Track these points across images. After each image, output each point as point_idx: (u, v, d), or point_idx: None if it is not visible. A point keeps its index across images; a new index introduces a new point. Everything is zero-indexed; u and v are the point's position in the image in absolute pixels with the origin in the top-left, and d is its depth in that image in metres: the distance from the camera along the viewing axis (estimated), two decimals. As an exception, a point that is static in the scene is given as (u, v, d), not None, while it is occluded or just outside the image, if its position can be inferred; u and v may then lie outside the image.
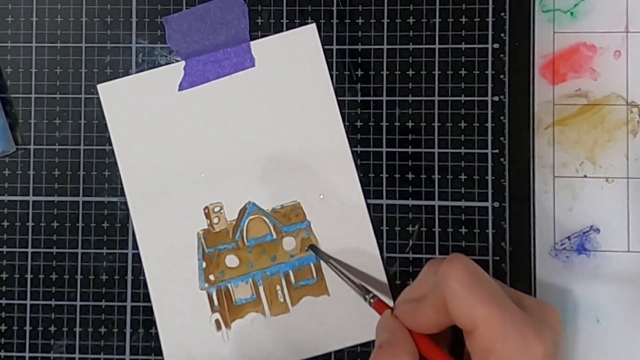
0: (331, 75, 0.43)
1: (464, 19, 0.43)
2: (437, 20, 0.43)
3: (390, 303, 0.39)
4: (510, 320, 0.32)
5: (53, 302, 0.43)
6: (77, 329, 0.43)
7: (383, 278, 0.42)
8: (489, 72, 0.43)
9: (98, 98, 0.44)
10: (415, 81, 0.43)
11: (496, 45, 0.43)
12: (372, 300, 0.38)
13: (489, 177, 0.42)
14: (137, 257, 0.43)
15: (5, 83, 0.44)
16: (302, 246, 0.43)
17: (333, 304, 0.42)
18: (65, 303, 0.43)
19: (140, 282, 0.43)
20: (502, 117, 0.42)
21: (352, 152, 0.43)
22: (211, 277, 0.43)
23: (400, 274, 0.42)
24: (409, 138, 0.43)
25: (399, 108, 0.43)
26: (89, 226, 0.43)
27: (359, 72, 0.43)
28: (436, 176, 0.43)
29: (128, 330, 0.43)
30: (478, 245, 0.42)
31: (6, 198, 0.44)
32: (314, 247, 0.42)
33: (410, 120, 0.43)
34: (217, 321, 0.42)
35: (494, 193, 0.42)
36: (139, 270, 0.43)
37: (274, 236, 0.43)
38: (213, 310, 0.42)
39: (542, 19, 0.43)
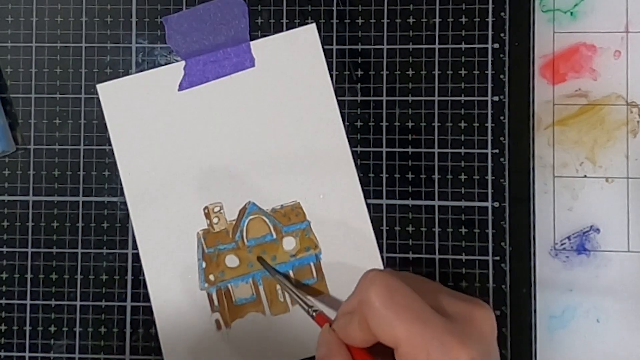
0: (331, 75, 0.43)
1: (464, 19, 0.43)
2: (437, 20, 0.43)
3: None
4: (431, 334, 0.32)
5: (53, 302, 0.43)
6: (77, 329, 0.43)
7: (383, 278, 0.42)
8: (489, 72, 0.43)
9: (98, 98, 0.44)
10: (415, 81, 0.43)
11: (496, 45, 0.43)
12: (314, 314, 0.38)
13: (489, 177, 0.42)
14: (137, 257, 0.43)
15: (5, 83, 0.44)
16: (302, 246, 0.43)
17: (333, 304, 0.42)
18: (65, 303, 0.43)
19: (140, 282, 0.43)
20: (502, 117, 0.42)
21: (352, 152, 0.43)
22: (211, 277, 0.43)
23: (400, 274, 0.42)
24: (409, 138, 0.43)
25: (399, 108, 0.43)
26: (89, 226, 0.43)
27: (359, 72, 0.43)
28: (436, 176, 0.43)
29: (128, 330, 0.43)
30: (478, 245, 0.42)
31: (6, 198, 0.44)
32: (261, 260, 0.42)
33: (410, 120, 0.43)
34: (217, 321, 0.42)
35: (494, 193, 0.42)
36: (139, 270, 0.43)
37: (274, 236, 0.43)
38: (213, 310, 0.42)
39: (542, 19, 0.43)
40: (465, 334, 0.33)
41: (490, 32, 0.43)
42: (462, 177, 0.42)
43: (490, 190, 0.42)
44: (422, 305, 0.33)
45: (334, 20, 0.43)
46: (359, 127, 0.43)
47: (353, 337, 0.35)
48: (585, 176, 0.43)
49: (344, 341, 0.35)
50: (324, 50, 0.43)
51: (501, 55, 0.43)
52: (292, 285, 0.41)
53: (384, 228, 0.43)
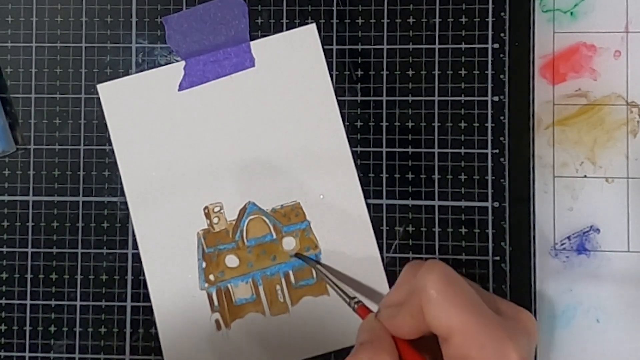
0: (331, 75, 0.43)
1: (464, 19, 0.43)
2: (437, 20, 0.43)
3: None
4: (486, 327, 0.32)
5: (53, 302, 0.43)
6: (77, 329, 0.43)
7: (383, 278, 0.42)
8: (489, 72, 0.43)
9: (98, 98, 0.44)
10: (415, 81, 0.43)
11: (496, 45, 0.43)
12: (355, 306, 0.38)
13: (489, 177, 0.42)
14: (137, 257, 0.43)
15: (5, 83, 0.44)
16: (302, 246, 0.43)
17: (333, 304, 0.42)
18: (65, 303, 0.43)
19: (140, 282, 0.43)
20: (502, 117, 0.42)
21: (352, 152, 0.43)
22: (211, 277, 0.43)
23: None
24: (409, 138, 0.43)
25: (399, 108, 0.43)
26: (89, 226, 0.43)
27: (359, 72, 0.43)
28: (436, 176, 0.43)
29: (128, 330, 0.43)
30: (478, 245, 0.42)
31: (6, 198, 0.44)
32: (299, 255, 0.42)
33: (410, 120, 0.43)
34: (217, 321, 0.42)
35: (494, 193, 0.42)
36: (139, 270, 0.43)
37: (274, 236, 0.43)
38: (213, 310, 0.42)
39: (542, 19, 0.43)
40: (515, 331, 0.33)
41: (490, 32, 0.43)
42: (462, 177, 0.42)
43: (490, 190, 0.42)
44: (477, 298, 0.33)
45: (334, 20, 0.43)
46: (359, 127, 0.43)
47: (400, 327, 0.34)
48: (585, 176, 0.43)
49: (390, 332, 0.35)
50: (324, 50, 0.43)
51: (501, 55, 0.43)
52: (332, 276, 0.40)
53: (384, 228, 0.43)
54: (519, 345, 0.32)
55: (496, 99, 0.43)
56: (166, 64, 0.44)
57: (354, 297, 0.38)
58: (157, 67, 0.44)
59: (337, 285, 0.39)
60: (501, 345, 0.32)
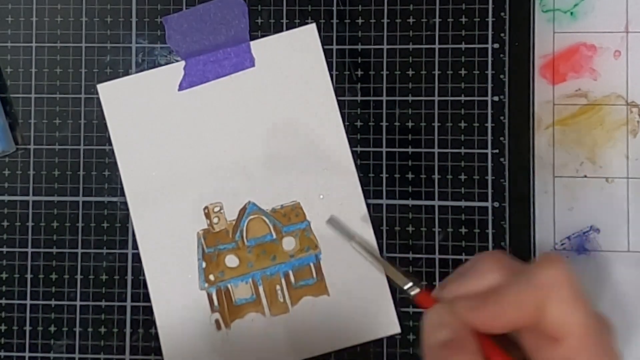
0: (331, 75, 0.43)
1: (464, 19, 0.43)
2: (437, 20, 0.43)
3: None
4: (597, 333, 0.31)
5: (53, 302, 0.43)
6: (77, 329, 0.43)
7: (383, 278, 0.42)
8: (489, 72, 0.43)
9: (98, 98, 0.44)
10: (415, 81, 0.43)
11: (496, 45, 0.43)
12: (412, 292, 0.35)
13: (489, 177, 0.42)
14: (137, 257, 0.43)
15: (5, 83, 0.44)
16: (302, 246, 0.43)
17: (333, 304, 0.42)
18: (65, 303, 0.43)
19: (140, 282, 0.43)
20: (502, 117, 0.42)
21: (352, 152, 0.43)
22: (211, 277, 0.43)
23: (400, 274, 0.42)
24: (409, 138, 0.43)
25: (399, 108, 0.43)
26: (89, 226, 0.43)
27: (359, 72, 0.43)
28: (436, 176, 0.43)
29: (128, 330, 0.43)
30: (478, 245, 0.42)
31: (6, 198, 0.44)
32: (333, 222, 0.41)
33: (410, 120, 0.43)
34: (217, 321, 0.42)
35: (494, 193, 0.42)
36: (139, 270, 0.43)
37: (274, 236, 0.43)
38: (213, 310, 0.42)
39: (542, 19, 0.43)
40: (610, 329, 0.33)
41: (490, 32, 0.43)
42: (462, 177, 0.42)
43: (490, 190, 0.42)
44: (588, 300, 0.32)
45: (334, 20, 0.43)
46: (359, 127, 0.43)
47: (492, 320, 0.32)
48: (585, 176, 0.43)
49: (471, 324, 0.32)
50: (324, 50, 0.43)
51: (501, 55, 0.43)
52: (379, 256, 0.38)
53: (384, 228, 0.43)
54: (615, 338, 0.32)
55: (496, 99, 0.43)
56: (166, 64, 0.44)
57: (411, 282, 0.35)
58: (157, 67, 0.44)
59: (390, 265, 0.37)
60: (605, 343, 0.31)
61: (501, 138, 0.42)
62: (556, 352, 0.31)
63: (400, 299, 0.42)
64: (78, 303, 0.43)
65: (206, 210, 0.43)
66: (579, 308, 0.31)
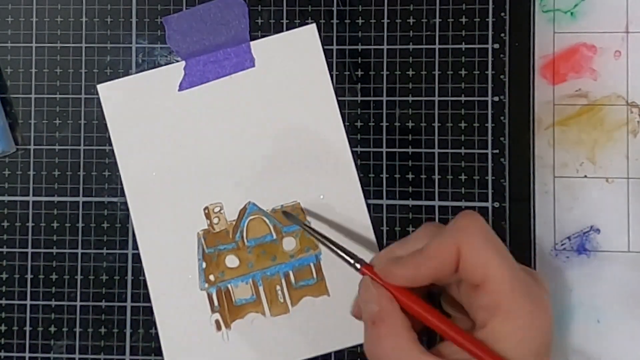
0: (331, 75, 0.43)
1: (464, 19, 0.43)
2: (437, 20, 0.43)
3: None
4: (519, 278, 0.33)
5: (53, 303, 0.43)
6: (77, 329, 0.43)
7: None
8: (489, 72, 0.43)
9: (98, 98, 0.44)
10: (415, 81, 0.43)
11: (496, 45, 0.43)
12: (358, 267, 0.36)
13: (489, 177, 0.42)
14: (137, 257, 0.43)
15: (5, 83, 0.44)
16: (302, 246, 0.43)
17: (333, 304, 0.42)
18: (65, 303, 0.43)
19: (140, 282, 0.43)
20: (502, 117, 0.42)
21: (352, 152, 0.43)
22: (211, 277, 0.43)
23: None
24: (409, 138, 0.43)
25: (399, 108, 0.43)
26: (89, 226, 0.43)
27: (359, 72, 0.43)
28: (436, 176, 0.43)
29: (128, 330, 0.43)
30: (478, 245, 0.42)
31: (6, 198, 0.44)
32: (286, 213, 0.42)
33: (410, 120, 0.43)
34: (217, 321, 0.42)
35: (494, 193, 0.42)
36: (139, 271, 0.43)
37: (274, 236, 0.43)
38: (213, 311, 0.42)
39: (542, 19, 0.43)
40: (539, 281, 0.34)
41: (490, 32, 0.43)
42: (462, 177, 0.42)
43: (490, 191, 0.42)
44: (509, 253, 0.34)
45: (334, 20, 0.43)
46: (359, 127, 0.43)
47: (412, 274, 0.34)
48: (585, 176, 0.43)
49: (392, 281, 0.34)
50: (324, 50, 0.43)
51: (501, 56, 0.43)
52: (329, 240, 0.38)
53: (384, 228, 0.43)
54: (549, 304, 0.33)
55: (496, 99, 0.43)
56: (166, 64, 0.44)
57: (355, 257, 0.37)
58: (157, 67, 0.44)
59: (332, 243, 0.38)
60: (533, 299, 0.33)
61: (501, 138, 0.42)
62: (483, 299, 0.33)
63: (400, 299, 0.42)
64: (78, 303, 0.43)
65: (206, 211, 0.43)
66: (492, 252, 0.33)
